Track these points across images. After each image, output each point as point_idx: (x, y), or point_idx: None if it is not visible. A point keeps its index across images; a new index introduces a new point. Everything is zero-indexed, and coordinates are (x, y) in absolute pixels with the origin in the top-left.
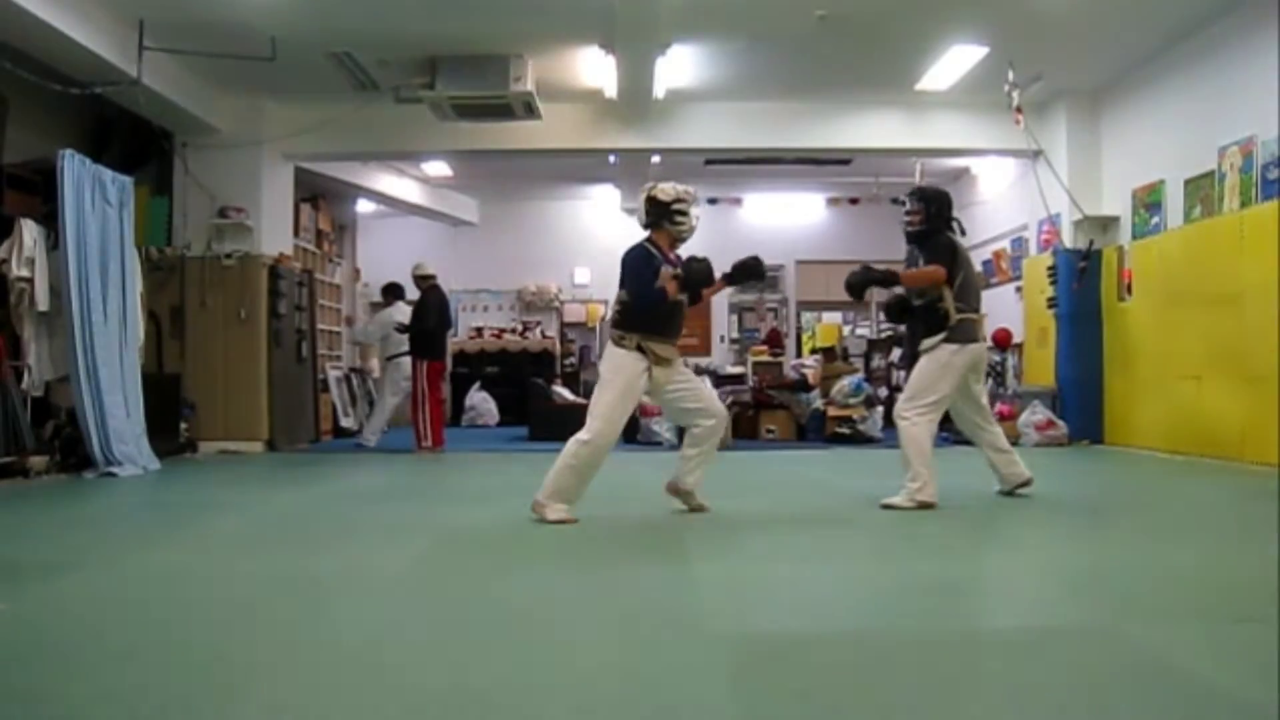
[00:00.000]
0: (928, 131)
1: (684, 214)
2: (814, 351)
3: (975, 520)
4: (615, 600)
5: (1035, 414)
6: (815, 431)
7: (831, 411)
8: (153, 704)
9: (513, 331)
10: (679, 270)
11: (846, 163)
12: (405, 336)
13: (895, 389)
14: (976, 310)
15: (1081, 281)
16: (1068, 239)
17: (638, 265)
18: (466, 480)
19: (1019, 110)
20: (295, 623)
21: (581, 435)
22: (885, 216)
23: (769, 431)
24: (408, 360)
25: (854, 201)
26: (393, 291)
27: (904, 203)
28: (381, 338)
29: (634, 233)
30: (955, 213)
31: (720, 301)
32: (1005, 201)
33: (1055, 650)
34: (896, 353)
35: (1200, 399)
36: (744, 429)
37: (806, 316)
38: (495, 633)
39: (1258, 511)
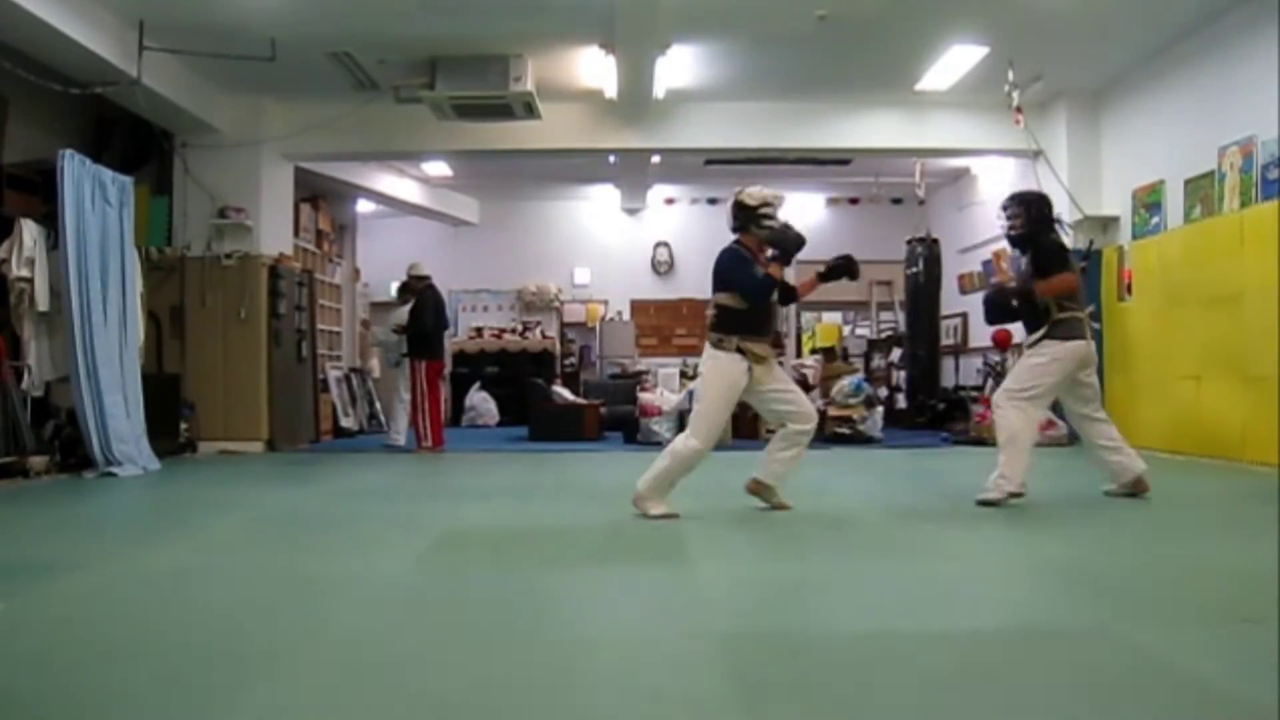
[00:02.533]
0: (928, 131)
1: (770, 216)
2: (814, 351)
3: (974, 520)
4: (615, 600)
5: None
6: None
7: (831, 411)
8: (153, 705)
9: (513, 331)
10: (774, 252)
11: (846, 163)
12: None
13: (895, 389)
14: (1081, 307)
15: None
16: (1068, 239)
17: (738, 263)
18: (466, 480)
19: (1019, 110)
20: (295, 623)
21: (692, 440)
22: (885, 216)
23: (769, 431)
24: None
25: (854, 201)
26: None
27: (1005, 208)
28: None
29: (633, 233)
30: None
31: None
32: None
33: (1055, 650)
34: (896, 353)
35: (1200, 399)
36: (744, 429)
37: (806, 316)
38: (495, 633)
39: (1258, 511)
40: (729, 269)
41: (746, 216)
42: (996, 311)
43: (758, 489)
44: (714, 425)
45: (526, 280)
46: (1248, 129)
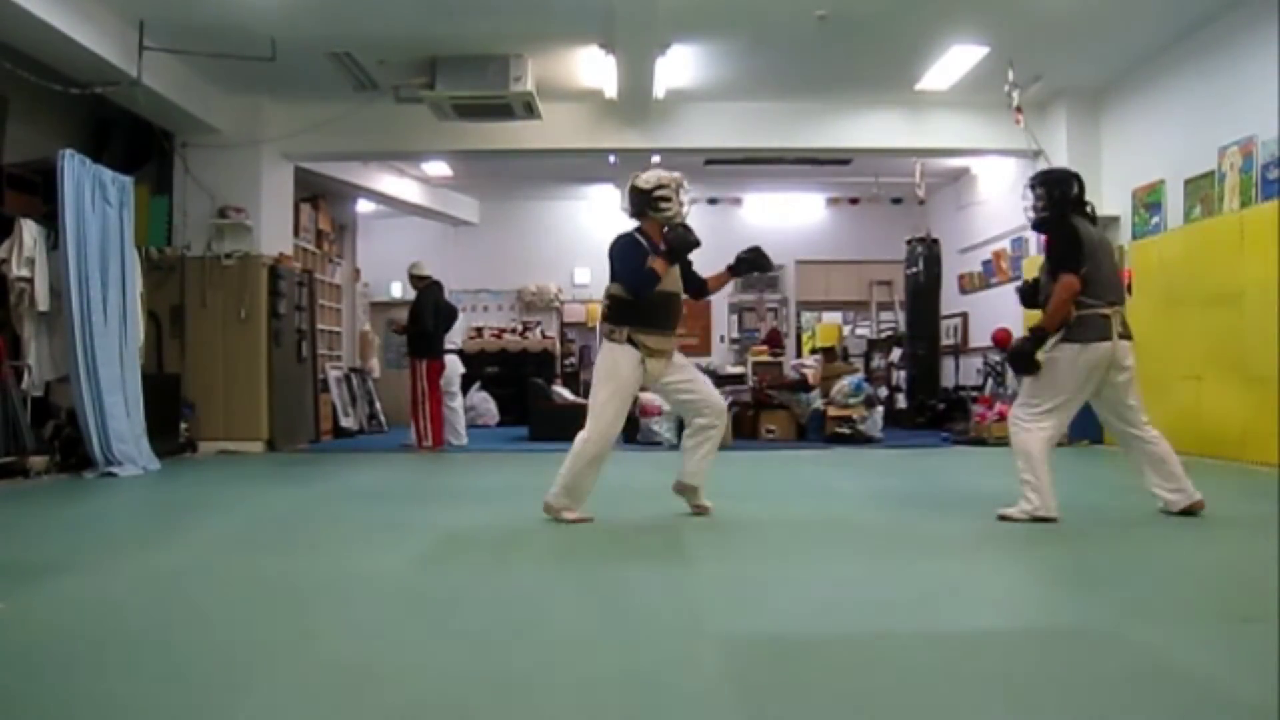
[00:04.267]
0: (928, 131)
1: (667, 199)
2: (814, 351)
3: (974, 520)
4: (615, 601)
5: None
6: (815, 431)
7: (831, 411)
8: (152, 705)
9: (513, 331)
10: (662, 247)
11: (846, 163)
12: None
13: (895, 389)
14: (1110, 303)
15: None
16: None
17: (625, 252)
18: (466, 480)
19: (1019, 110)
20: (294, 623)
21: (582, 433)
22: (885, 216)
23: (769, 431)
24: (451, 359)
25: (854, 201)
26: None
27: (1031, 188)
28: None
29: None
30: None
31: (720, 301)
32: (1005, 201)
33: (1055, 650)
34: (896, 353)
35: (1200, 399)
36: (744, 429)
37: (806, 316)
38: (495, 634)
39: (1257, 511)
40: (615, 258)
41: (643, 201)
42: (1023, 366)
43: (681, 490)
44: (606, 419)
45: (526, 280)
46: (1248, 129)
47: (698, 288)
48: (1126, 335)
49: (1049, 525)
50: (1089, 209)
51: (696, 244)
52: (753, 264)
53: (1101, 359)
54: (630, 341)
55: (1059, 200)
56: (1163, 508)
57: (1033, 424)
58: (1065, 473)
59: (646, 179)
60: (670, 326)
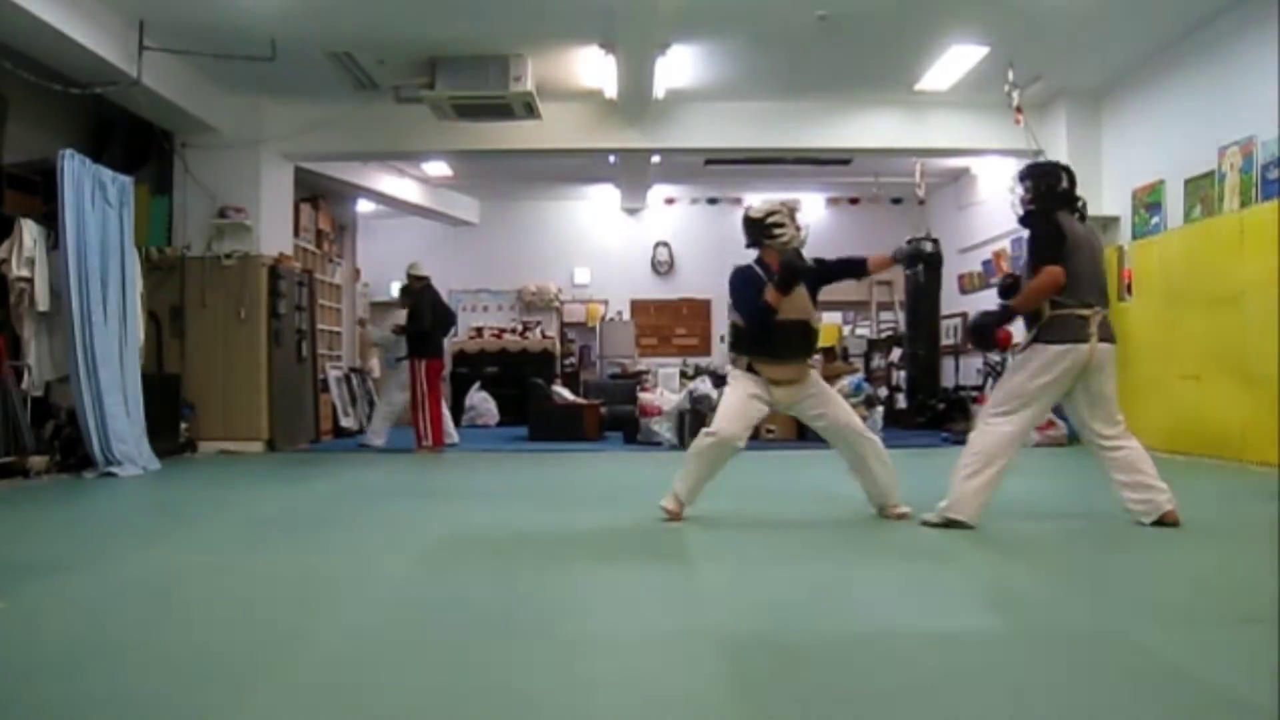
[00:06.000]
0: (928, 131)
1: (781, 225)
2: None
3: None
4: (615, 600)
5: None
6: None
7: None
8: (152, 706)
9: (513, 331)
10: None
11: (846, 163)
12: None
13: (895, 389)
14: (1088, 304)
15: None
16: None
17: (742, 285)
18: (466, 480)
19: (1019, 110)
20: (294, 624)
21: (708, 428)
22: (885, 216)
23: (769, 431)
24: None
25: (854, 201)
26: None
27: (1020, 181)
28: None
29: (633, 232)
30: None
31: (720, 302)
32: (1005, 201)
33: (1056, 650)
34: (896, 352)
35: (1200, 399)
36: None
37: None
38: (495, 633)
39: (1257, 511)
40: (732, 291)
41: (758, 231)
42: (980, 340)
43: (881, 514)
44: (730, 422)
45: (526, 280)
46: (1248, 129)
47: (855, 269)
48: (1107, 338)
49: (1048, 525)
50: (1079, 205)
51: (807, 271)
52: (915, 256)
53: (1075, 362)
54: (750, 369)
55: (1045, 194)
56: (1133, 519)
57: (994, 421)
58: (1065, 473)
59: (757, 209)
60: (794, 355)
